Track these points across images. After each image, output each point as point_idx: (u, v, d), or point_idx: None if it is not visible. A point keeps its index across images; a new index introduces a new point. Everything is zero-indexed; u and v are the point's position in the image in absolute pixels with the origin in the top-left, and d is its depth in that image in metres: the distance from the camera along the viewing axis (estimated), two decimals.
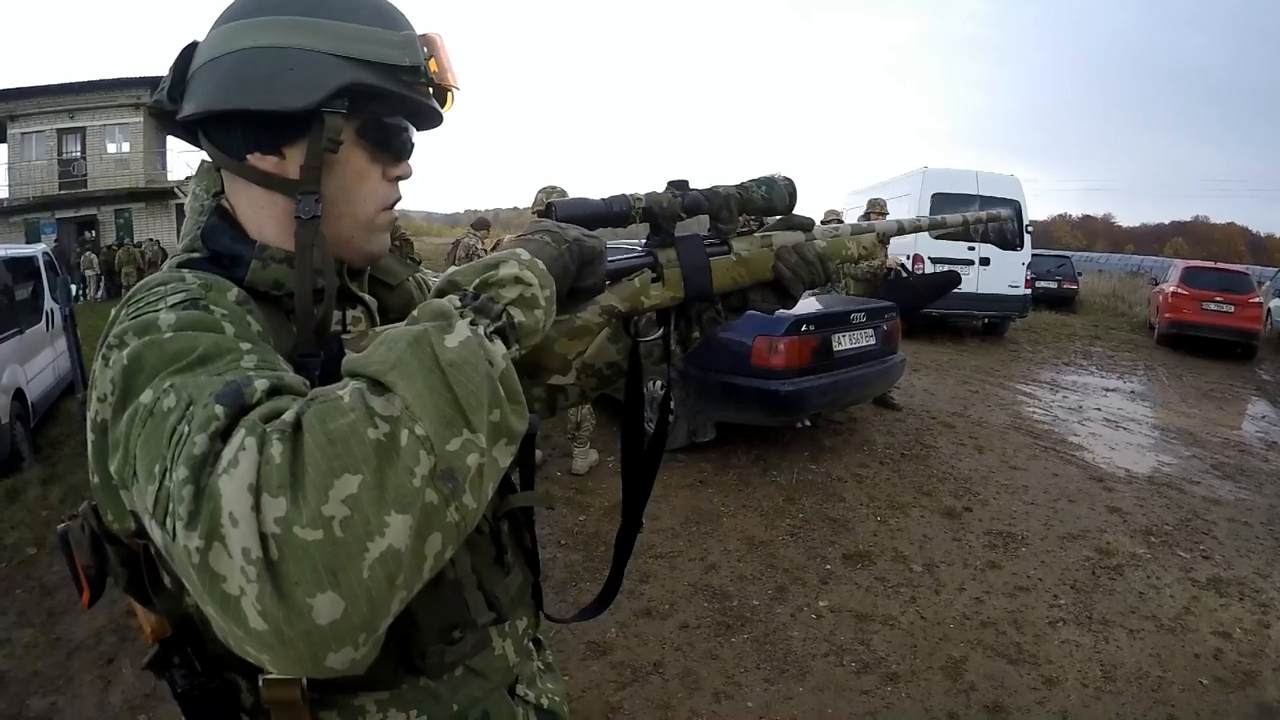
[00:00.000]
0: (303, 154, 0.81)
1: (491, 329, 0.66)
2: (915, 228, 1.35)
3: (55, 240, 22.40)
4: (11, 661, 3.45)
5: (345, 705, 0.83)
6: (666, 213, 0.98)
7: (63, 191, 25.59)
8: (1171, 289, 13.83)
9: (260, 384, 0.59)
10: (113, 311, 0.77)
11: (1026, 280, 12.86)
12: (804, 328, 5.54)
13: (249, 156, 0.82)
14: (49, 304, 8.01)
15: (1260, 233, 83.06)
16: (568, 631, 3.39)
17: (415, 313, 0.66)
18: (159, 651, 0.81)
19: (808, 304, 5.97)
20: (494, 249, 4.25)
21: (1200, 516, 5.19)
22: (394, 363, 0.59)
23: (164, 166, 27.58)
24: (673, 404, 5.85)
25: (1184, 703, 3.16)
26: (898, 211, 13.23)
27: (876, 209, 9.63)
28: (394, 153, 0.89)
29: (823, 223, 6.71)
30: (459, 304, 0.66)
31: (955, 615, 3.78)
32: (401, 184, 0.93)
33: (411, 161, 0.93)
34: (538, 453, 3.24)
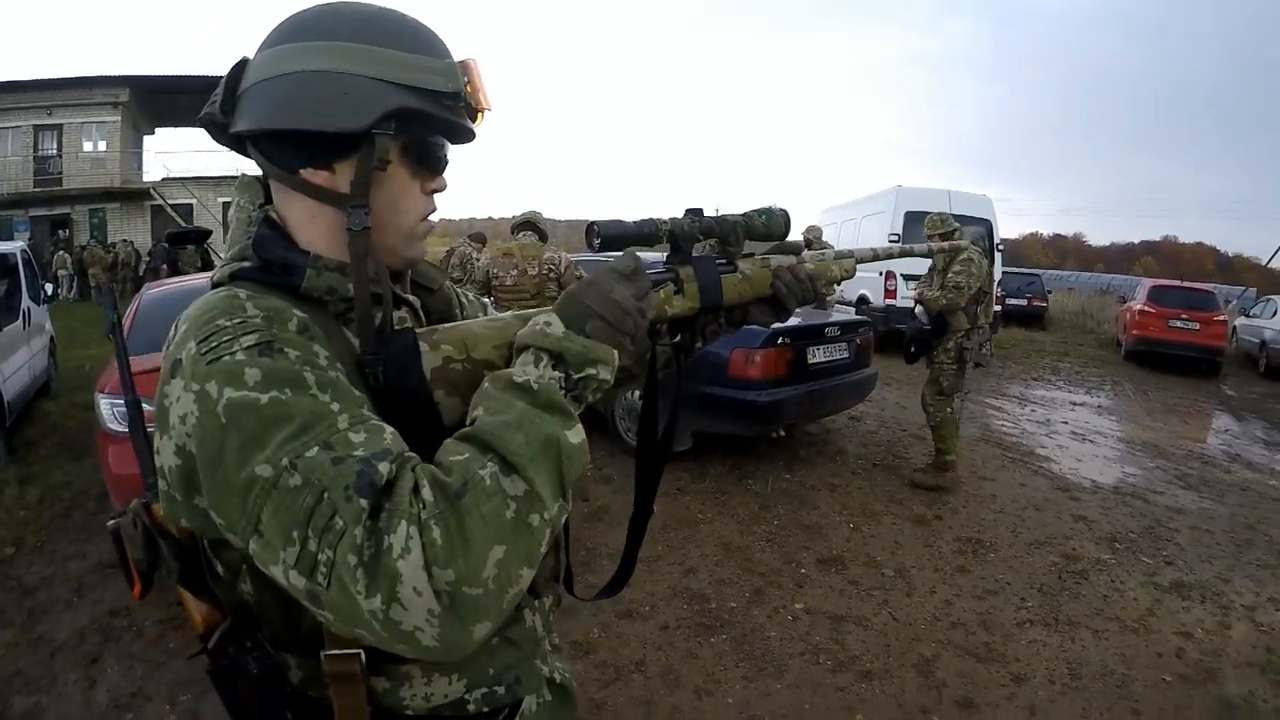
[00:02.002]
0: (352, 170, 0.88)
1: (578, 411, 0.84)
2: (888, 254, 1.51)
3: (30, 238, 22.10)
4: None
5: (394, 672, 0.91)
6: (686, 235, 1.09)
7: (37, 189, 25.25)
8: (1139, 307, 14.12)
9: (383, 467, 0.72)
10: (174, 328, 0.85)
11: (996, 297, 13.07)
12: (780, 340, 5.66)
13: (302, 171, 0.89)
14: (25, 302, 7.95)
15: (1228, 252, 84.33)
16: None
17: (535, 387, 0.81)
18: (221, 637, 0.90)
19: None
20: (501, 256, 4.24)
21: (1163, 525, 5.34)
22: (531, 458, 0.75)
23: (140, 167, 27.31)
24: (660, 410, 5.95)
25: (1148, 698, 3.28)
26: (871, 228, 13.44)
27: (812, 234, 9.88)
28: (432, 168, 0.96)
29: (803, 237, 6.73)
30: (563, 386, 0.83)
31: (926, 616, 3.89)
32: (436, 196, 1.01)
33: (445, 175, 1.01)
34: None
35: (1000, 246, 13.37)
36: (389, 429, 0.78)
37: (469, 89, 0.92)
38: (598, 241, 1.03)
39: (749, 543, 4.74)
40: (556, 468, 0.77)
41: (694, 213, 1.11)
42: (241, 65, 0.90)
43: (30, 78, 25.31)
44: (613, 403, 6.26)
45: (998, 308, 13.24)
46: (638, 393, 6.00)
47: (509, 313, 1.00)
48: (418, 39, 0.90)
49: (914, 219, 12.24)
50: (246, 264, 0.91)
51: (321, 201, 0.90)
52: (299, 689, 0.91)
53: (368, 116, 0.85)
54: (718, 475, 5.91)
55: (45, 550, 4.58)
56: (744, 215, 1.17)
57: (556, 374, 0.83)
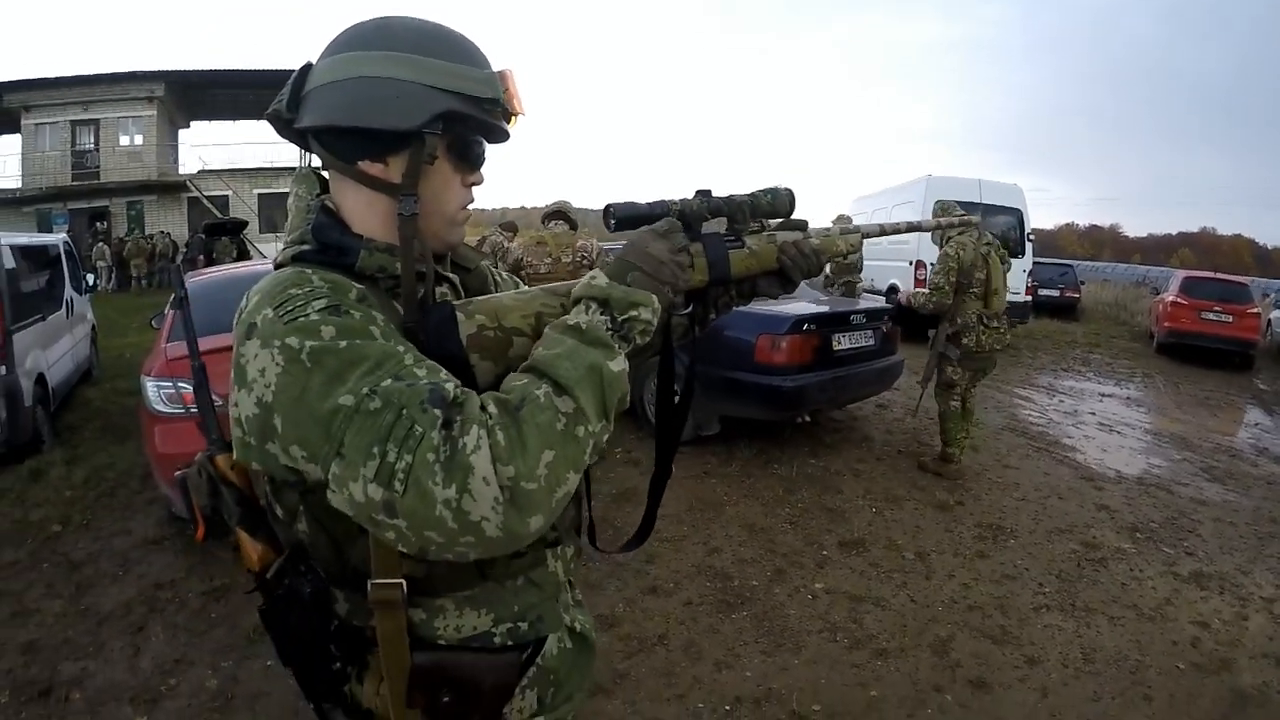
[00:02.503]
0: (403, 163, 1.00)
1: (626, 350, 0.97)
2: (895, 229, 1.51)
3: (68, 230, 22.54)
4: (42, 630, 3.61)
5: (429, 605, 1.04)
6: (696, 215, 1.18)
7: (75, 183, 25.67)
8: (1171, 298, 13.94)
9: (449, 386, 0.86)
10: (246, 298, 0.97)
11: (1028, 287, 12.95)
12: (805, 327, 5.74)
13: (360, 163, 1.02)
14: (68, 292, 8.20)
15: (1267, 245, 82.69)
16: None
17: (584, 327, 0.94)
18: (279, 570, 1.03)
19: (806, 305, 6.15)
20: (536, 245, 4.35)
21: (1186, 516, 5.35)
22: (578, 380, 0.88)
23: (176, 160, 27.76)
24: (676, 392, 6.09)
25: (1160, 685, 3.33)
26: (901, 217, 13.21)
27: (842, 224, 9.91)
28: (472, 164, 1.09)
29: (833, 225, 6.68)
30: (610, 327, 0.96)
31: (944, 599, 3.96)
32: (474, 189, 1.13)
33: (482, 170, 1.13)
34: None
35: (1031, 236, 13.24)
36: (443, 369, 0.91)
37: (506, 96, 1.04)
38: (613, 222, 1.14)
39: (772, 524, 4.83)
40: (600, 391, 0.90)
41: (703, 194, 1.20)
42: (306, 69, 1.02)
43: (67, 74, 25.74)
44: (641, 389, 6.36)
45: (1027, 298, 13.17)
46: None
47: (537, 287, 1.11)
48: (463, 51, 1.03)
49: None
50: (306, 247, 1.03)
51: (375, 190, 1.03)
52: (344, 620, 1.04)
53: (419, 117, 0.97)
54: (744, 459, 6.01)
55: (91, 527, 4.77)
56: (750, 195, 1.25)
57: (603, 317, 0.96)
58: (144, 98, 25.92)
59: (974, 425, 6.19)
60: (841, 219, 10.20)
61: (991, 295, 5.63)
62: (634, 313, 0.98)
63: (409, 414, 0.81)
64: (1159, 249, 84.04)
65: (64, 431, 6.87)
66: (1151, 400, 9.90)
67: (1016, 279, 12.30)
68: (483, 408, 0.85)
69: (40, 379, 6.47)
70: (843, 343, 6.06)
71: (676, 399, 1.33)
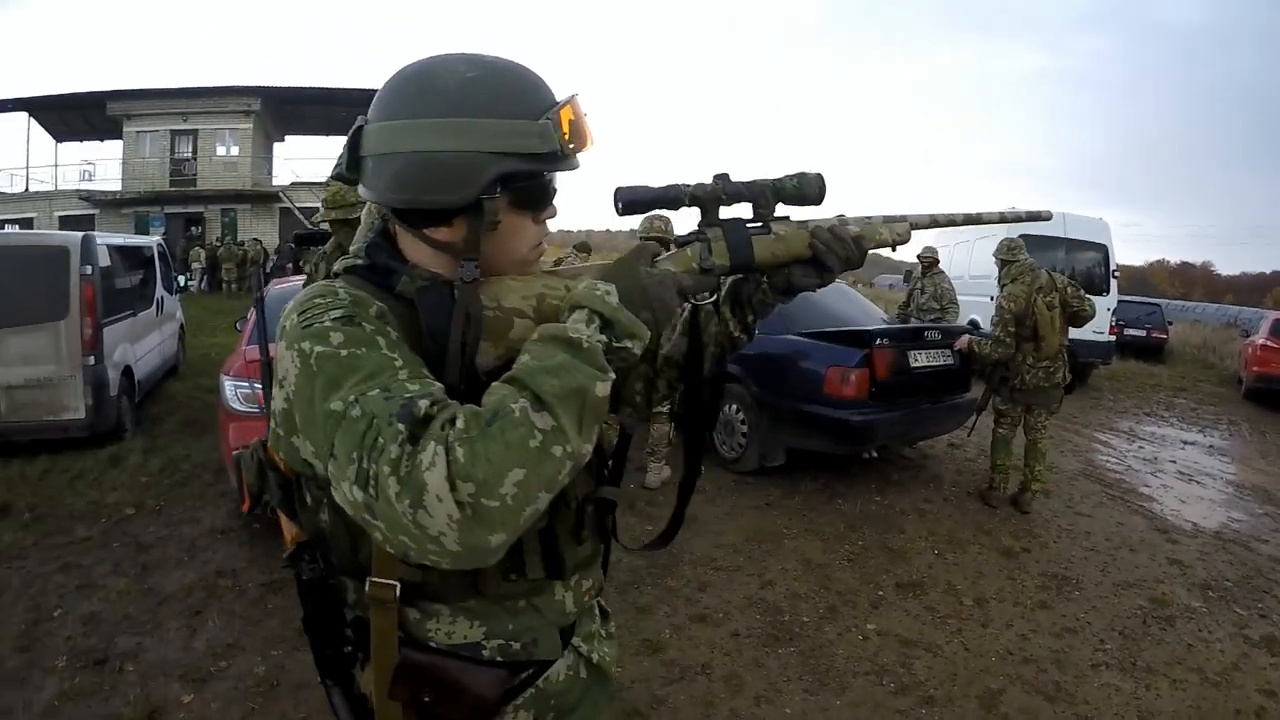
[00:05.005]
0: (467, 222, 1.00)
1: (610, 373, 0.91)
2: (950, 220, 1.36)
3: (163, 233, 23.52)
4: (105, 604, 3.86)
5: (426, 608, 1.08)
6: (710, 198, 1.16)
7: (173, 189, 26.75)
8: (1261, 341, 13.29)
9: (423, 403, 0.85)
10: (286, 309, 1.02)
11: (1111, 326, 12.50)
12: (878, 342, 5.79)
13: (426, 230, 1.03)
14: (159, 291, 8.65)
15: None
16: (625, 629, 3.57)
17: (585, 345, 0.90)
18: (295, 550, 1.12)
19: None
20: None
21: (1263, 575, 5.08)
22: (560, 397, 0.84)
23: (269, 172, 28.80)
24: (744, 422, 6.12)
25: None
26: (984, 251, 13.01)
27: (929, 255, 9.69)
28: (540, 206, 1.08)
29: (918, 258, 6.68)
30: (606, 351, 0.92)
31: (999, 649, 3.84)
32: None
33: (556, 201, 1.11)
34: None
35: (1116, 274, 12.77)
36: (438, 384, 0.92)
37: (569, 134, 1.00)
38: (620, 205, 1.12)
39: (830, 560, 4.77)
40: (580, 413, 0.86)
41: (721, 177, 1.17)
42: (359, 132, 1.02)
43: (169, 85, 26.92)
44: None
45: (1111, 337, 12.69)
46: (734, 406, 6.11)
47: (540, 271, 1.13)
48: (513, 101, 0.99)
49: (1029, 242, 11.74)
50: (358, 262, 1.09)
51: (440, 251, 1.05)
52: (352, 608, 1.11)
53: (474, 189, 0.97)
54: (807, 493, 5.95)
55: (162, 514, 5.05)
56: (775, 179, 1.19)
57: (603, 338, 0.93)
58: (241, 111, 26.94)
59: (1047, 468, 6.03)
60: (927, 251, 9.87)
61: (1041, 340, 5.69)
62: (629, 344, 0.95)
63: (377, 425, 0.83)
64: (1253, 289, 79.88)
65: (146, 422, 7.28)
66: (1236, 449, 9.46)
67: (1100, 318, 11.84)
68: (452, 421, 0.83)
69: (127, 371, 6.94)
70: (916, 371, 6.01)
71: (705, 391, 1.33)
